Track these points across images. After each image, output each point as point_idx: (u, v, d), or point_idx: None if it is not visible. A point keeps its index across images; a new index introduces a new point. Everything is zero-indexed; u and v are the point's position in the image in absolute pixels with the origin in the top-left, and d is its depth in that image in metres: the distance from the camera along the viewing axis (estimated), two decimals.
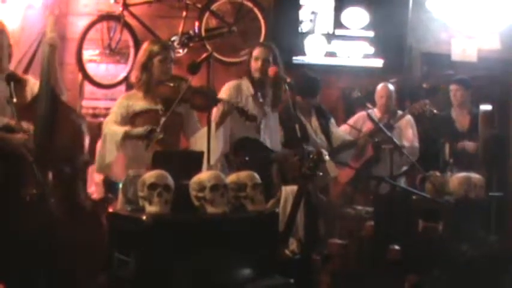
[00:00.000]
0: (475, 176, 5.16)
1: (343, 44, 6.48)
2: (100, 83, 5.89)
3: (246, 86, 4.88)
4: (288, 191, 4.38)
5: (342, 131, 5.62)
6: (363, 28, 6.49)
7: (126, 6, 5.76)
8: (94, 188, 5.11)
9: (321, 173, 4.18)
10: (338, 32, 6.47)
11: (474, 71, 6.57)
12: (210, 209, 3.61)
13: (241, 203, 3.79)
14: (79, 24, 5.90)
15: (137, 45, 5.55)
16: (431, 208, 5.02)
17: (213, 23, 6.14)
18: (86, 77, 5.80)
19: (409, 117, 5.78)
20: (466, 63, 6.68)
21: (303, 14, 6.42)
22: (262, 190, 3.84)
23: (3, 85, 4.00)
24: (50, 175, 4.03)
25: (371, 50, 6.51)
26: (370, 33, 6.49)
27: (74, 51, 5.67)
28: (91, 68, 5.87)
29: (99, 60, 6.00)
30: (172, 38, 5.92)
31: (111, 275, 3.68)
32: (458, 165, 5.73)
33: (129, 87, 5.17)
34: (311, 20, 6.44)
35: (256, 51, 4.88)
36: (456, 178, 5.16)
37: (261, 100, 4.87)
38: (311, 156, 4.11)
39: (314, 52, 6.43)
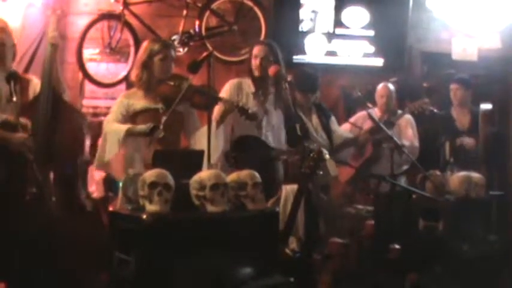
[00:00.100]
0: (475, 175, 5.17)
1: (343, 43, 6.47)
2: (100, 82, 5.89)
3: (247, 84, 4.90)
4: (289, 190, 4.39)
5: (342, 129, 5.62)
6: (363, 27, 6.48)
7: (126, 5, 5.76)
8: (94, 187, 5.12)
9: (321, 172, 4.18)
10: (338, 31, 6.46)
11: (474, 70, 6.57)
12: (211, 208, 3.61)
13: (241, 202, 3.79)
14: (79, 23, 5.89)
15: (137, 44, 5.55)
16: (432, 207, 5.02)
17: (214, 22, 6.14)
18: (87, 76, 5.80)
19: (409, 116, 5.78)
20: (466, 63, 6.67)
21: (304, 13, 6.41)
22: (263, 189, 3.85)
23: (6, 84, 4.01)
24: (51, 174, 4.04)
25: (371, 49, 6.50)
26: (371, 33, 6.49)
27: (74, 50, 5.66)
28: (91, 67, 5.87)
29: (99, 59, 5.99)
30: (173, 37, 5.92)
31: (111, 274, 3.68)
32: (459, 164, 5.74)
33: (130, 86, 5.16)
34: (311, 19, 6.43)
35: (256, 49, 4.89)
36: (456, 177, 5.17)
37: (262, 98, 4.88)
38: (311, 155, 4.11)
39: (314, 51, 6.42)
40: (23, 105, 4.06)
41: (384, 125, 5.38)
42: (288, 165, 4.94)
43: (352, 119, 5.92)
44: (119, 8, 5.75)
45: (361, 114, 5.89)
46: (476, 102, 6.05)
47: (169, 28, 6.06)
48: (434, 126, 6.02)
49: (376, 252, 5.08)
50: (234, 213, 3.73)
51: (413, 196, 5.19)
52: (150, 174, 3.58)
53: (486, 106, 5.97)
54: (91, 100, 6.02)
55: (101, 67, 5.99)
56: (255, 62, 4.86)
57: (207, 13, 6.04)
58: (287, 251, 4.09)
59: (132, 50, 5.81)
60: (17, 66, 4.41)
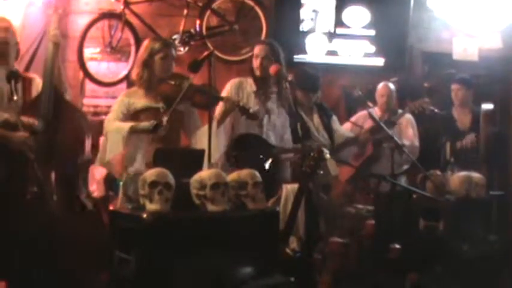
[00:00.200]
0: (475, 175, 5.17)
1: (344, 42, 6.47)
2: (101, 81, 5.89)
3: (249, 84, 4.91)
4: (289, 189, 4.39)
5: (344, 129, 5.62)
6: (364, 27, 6.48)
7: (127, 4, 5.76)
8: (95, 186, 5.12)
9: (321, 172, 4.17)
10: (339, 30, 6.46)
11: (475, 70, 6.56)
12: (211, 207, 3.61)
13: (242, 201, 3.79)
14: (80, 22, 5.88)
15: (138, 43, 5.54)
16: (432, 207, 5.02)
17: (214, 21, 6.13)
18: (87, 75, 5.80)
19: (409, 116, 5.78)
20: (467, 62, 6.67)
21: (304, 13, 6.41)
22: (263, 188, 3.85)
23: (7, 83, 4.01)
24: (52, 173, 4.04)
25: (372, 48, 6.50)
26: (371, 32, 6.48)
27: (75, 49, 5.66)
28: (92, 66, 5.87)
29: (100, 58, 5.99)
30: (174, 37, 5.91)
31: (111, 273, 3.68)
32: (459, 164, 5.74)
33: (130, 85, 5.16)
34: (312, 19, 6.43)
35: (257, 49, 4.90)
36: (457, 177, 5.17)
37: (263, 97, 4.88)
38: (312, 154, 4.11)
39: (315, 51, 6.42)
40: (26, 104, 4.06)
41: (384, 124, 5.38)
42: (290, 164, 4.95)
43: (352, 119, 5.92)
44: (119, 7, 5.74)
45: (361, 114, 5.89)
46: (478, 102, 6.05)
47: (170, 27, 6.06)
48: (434, 126, 6.02)
49: (377, 252, 5.08)
50: (235, 212, 3.74)
51: (414, 196, 5.19)
52: (151, 174, 3.58)
53: (487, 106, 5.96)
54: (92, 99, 6.02)
55: (101, 66, 5.99)
56: (256, 62, 4.87)
57: (208, 12, 6.04)
58: (287, 250, 4.09)
59: (132, 49, 5.81)
60: (18, 65, 4.40)
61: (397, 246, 4.97)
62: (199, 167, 3.84)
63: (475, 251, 4.85)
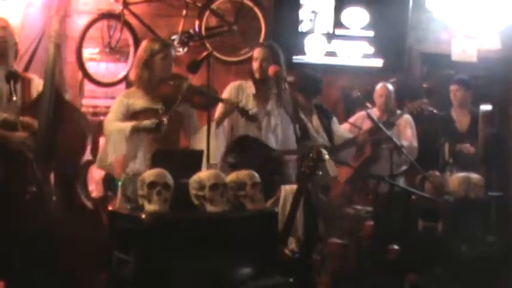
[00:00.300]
0: (474, 176, 5.18)
1: (343, 43, 6.47)
2: (100, 81, 5.88)
3: (249, 86, 4.92)
4: (288, 190, 4.39)
5: (343, 130, 5.62)
6: (362, 28, 6.48)
7: (126, 4, 5.76)
8: (94, 186, 5.11)
9: (320, 172, 4.18)
10: (338, 31, 6.46)
11: (474, 71, 6.57)
12: (210, 208, 3.61)
13: (240, 202, 3.79)
14: (79, 22, 5.88)
15: (137, 43, 5.54)
16: (431, 208, 5.03)
17: (213, 22, 6.13)
18: (86, 75, 5.79)
19: (408, 117, 5.78)
20: (466, 63, 6.67)
21: (303, 14, 6.41)
22: (262, 189, 3.85)
23: (6, 83, 4.01)
24: (52, 173, 4.04)
25: (371, 49, 6.50)
26: (370, 33, 6.49)
27: (74, 50, 5.66)
28: (91, 67, 5.86)
29: (99, 58, 5.99)
30: (173, 37, 5.91)
31: (110, 273, 3.68)
32: (458, 165, 5.74)
33: (129, 85, 5.15)
34: (311, 20, 6.43)
35: (256, 52, 4.91)
36: (456, 178, 5.18)
37: (262, 99, 4.88)
38: (310, 155, 4.11)
39: (314, 52, 6.42)
40: (26, 104, 4.06)
41: (383, 125, 5.38)
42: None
43: (351, 119, 5.92)
44: (118, 7, 5.74)
45: (360, 115, 5.89)
46: (476, 103, 6.05)
47: (168, 28, 6.06)
48: (433, 127, 6.03)
49: (375, 253, 5.08)
50: (233, 213, 3.73)
51: (413, 197, 5.19)
52: (150, 174, 3.58)
53: (486, 107, 5.97)
54: (90, 99, 6.01)
55: (100, 66, 5.98)
56: (255, 64, 4.87)
57: (207, 13, 6.04)
58: (286, 251, 4.08)
59: (131, 49, 5.81)
60: (17, 66, 4.41)
61: (396, 247, 4.97)
62: (198, 168, 3.84)
63: (474, 251, 4.86)
